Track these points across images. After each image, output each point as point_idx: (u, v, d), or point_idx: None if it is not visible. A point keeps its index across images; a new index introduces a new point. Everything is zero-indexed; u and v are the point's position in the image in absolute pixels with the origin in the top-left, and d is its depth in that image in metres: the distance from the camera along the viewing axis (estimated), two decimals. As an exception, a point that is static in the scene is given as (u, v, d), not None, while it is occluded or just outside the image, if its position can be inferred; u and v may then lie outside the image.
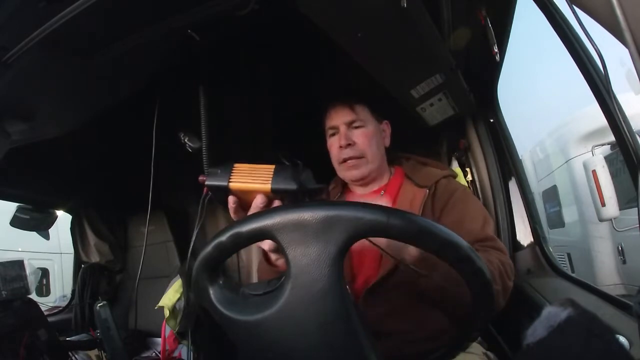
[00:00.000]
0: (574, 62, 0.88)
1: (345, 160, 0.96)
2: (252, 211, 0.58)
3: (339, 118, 0.98)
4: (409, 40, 0.92)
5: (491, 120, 1.45)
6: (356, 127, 0.97)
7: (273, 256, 0.75)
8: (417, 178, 0.98)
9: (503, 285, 0.76)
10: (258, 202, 0.57)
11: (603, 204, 1.54)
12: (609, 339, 0.38)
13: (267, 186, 0.56)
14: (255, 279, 1.72)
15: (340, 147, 0.96)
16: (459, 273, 0.46)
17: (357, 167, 0.96)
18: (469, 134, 1.48)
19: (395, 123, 1.07)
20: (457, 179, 1.06)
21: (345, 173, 0.99)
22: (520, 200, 1.37)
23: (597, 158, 1.92)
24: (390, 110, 1.07)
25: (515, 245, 1.34)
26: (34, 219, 1.82)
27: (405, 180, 1.00)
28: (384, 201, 0.98)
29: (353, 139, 0.96)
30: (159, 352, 1.52)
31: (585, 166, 1.94)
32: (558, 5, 0.89)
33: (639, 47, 0.44)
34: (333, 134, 1.00)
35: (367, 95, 1.02)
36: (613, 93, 0.68)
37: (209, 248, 0.47)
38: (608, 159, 2.31)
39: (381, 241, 0.63)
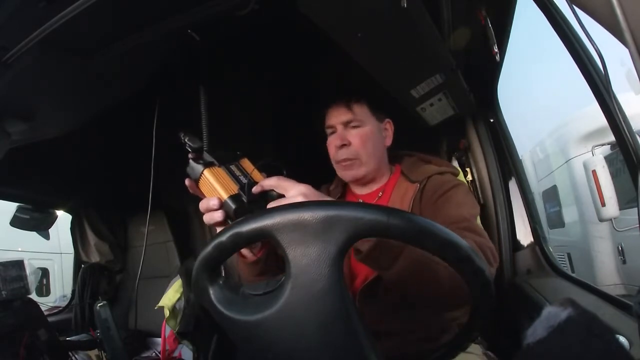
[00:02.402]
0: (574, 62, 0.88)
1: (339, 161, 0.97)
2: (202, 205, 0.63)
3: (336, 117, 0.97)
4: (409, 40, 0.92)
5: (491, 120, 1.45)
6: (353, 127, 0.96)
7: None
8: (412, 174, 0.98)
9: None
10: (210, 203, 0.61)
11: (603, 204, 1.54)
12: (609, 339, 0.38)
13: (224, 195, 0.61)
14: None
15: (336, 147, 0.96)
16: (459, 273, 0.46)
17: (350, 167, 0.96)
18: (469, 134, 1.48)
19: (395, 123, 1.07)
20: (458, 178, 1.05)
21: (341, 173, 0.99)
22: (520, 200, 1.37)
23: (597, 158, 1.92)
24: (391, 110, 1.07)
25: (515, 245, 1.34)
26: (34, 219, 1.83)
27: (401, 176, 1.00)
28: (382, 202, 0.98)
29: (348, 139, 0.95)
30: (159, 352, 1.52)
31: (585, 166, 1.94)
32: (558, 5, 0.89)
33: (639, 47, 0.44)
34: (331, 133, 0.99)
35: (368, 94, 1.01)
36: (613, 93, 0.68)
37: (209, 248, 0.47)
38: (608, 159, 2.31)
39: None
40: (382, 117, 1.02)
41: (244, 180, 0.64)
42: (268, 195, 0.63)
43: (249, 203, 0.61)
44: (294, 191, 0.60)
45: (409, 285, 0.67)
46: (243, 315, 0.46)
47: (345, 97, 0.98)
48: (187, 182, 0.66)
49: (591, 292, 0.95)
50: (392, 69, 1.07)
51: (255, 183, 0.64)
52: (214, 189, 0.62)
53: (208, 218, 0.62)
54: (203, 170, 0.63)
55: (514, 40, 1.16)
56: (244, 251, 0.75)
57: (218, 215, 0.61)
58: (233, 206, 0.59)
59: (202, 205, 0.63)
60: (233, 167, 0.66)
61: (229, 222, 0.61)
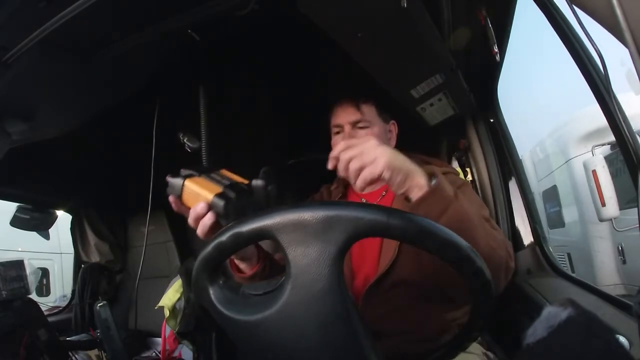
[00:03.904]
0: (574, 62, 0.88)
1: None
2: (190, 216, 0.60)
3: (344, 117, 0.97)
4: (409, 40, 0.92)
5: (491, 120, 1.45)
6: (361, 128, 0.96)
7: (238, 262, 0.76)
8: None
9: (508, 266, 0.72)
10: (198, 209, 0.58)
11: (603, 204, 1.54)
12: (609, 339, 0.38)
13: (209, 196, 0.58)
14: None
15: None
16: (459, 273, 0.46)
17: None
18: (469, 134, 1.48)
19: (396, 123, 1.07)
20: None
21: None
22: (520, 200, 1.37)
23: (597, 158, 1.92)
24: (391, 109, 1.07)
25: (515, 245, 1.34)
26: (34, 219, 1.82)
27: None
28: (386, 201, 0.98)
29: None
30: (159, 352, 1.52)
31: (585, 166, 1.94)
32: (558, 5, 0.89)
33: (639, 47, 0.44)
34: (337, 132, 0.99)
35: (375, 94, 1.00)
36: (613, 93, 0.68)
37: (209, 248, 0.47)
38: (608, 159, 2.31)
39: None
40: (388, 119, 1.02)
41: (227, 182, 0.62)
42: (255, 192, 0.61)
43: (237, 199, 0.58)
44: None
45: (423, 270, 0.67)
46: (243, 315, 0.46)
47: (353, 97, 0.98)
48: (170, 199, 0.64)
49: (591, 292, 0.96)
50: (392, 69, 1.07)
51: (238, 183, 0.62)
52: (198, 194, 0.60)
53: (201, 227, 0.59)
54: (184, 182, 0.61)
55: (514, 40, 1.16)
56: (242, 265, 0.75)
57: (208, 219, 0.58)
58: (221, 203, 0.57)
59: (191, 216, 0.60)
60: (213, 175, 0.64)
61: (223, 222, 0.58)
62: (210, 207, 0.58)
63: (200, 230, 0.60)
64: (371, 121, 0.97)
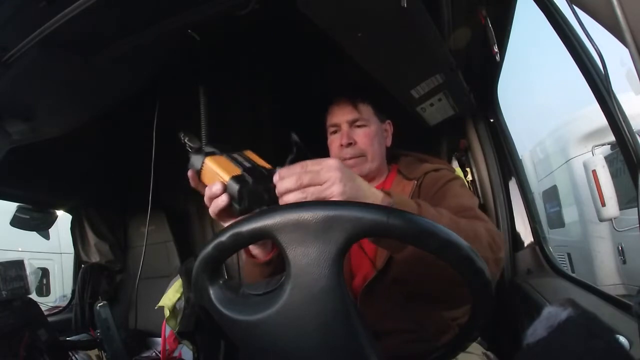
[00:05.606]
0: (574, 62, 0.88)
1: (344, 160, 0.96)
2: (206, 195, 0.59)
3: (341, 116, 0.97)
4: (409, 40, 0.92)
5: (491, 120, 1.45)
6: (358, 126, 0.96)
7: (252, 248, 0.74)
8: (409, 172, 0.97)
9: (494, 257, 0.69)
10: (213, 189, 0.58)
11: (603, 204, 1.54)
12: (609, 339, 0.38)
13: (226, 177, 0.57)
14: (255, 279, 1.72)
15: (341, 145, 0.95)
16: (459, 273, 0.46)
17: (356, 165, 0.95)
18: (469, 134, 1.48)
19: (395, 123, 1.07)
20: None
21: None
22: (520, 200, 1.37)
23: (597, 158, 1.92)
24: (391, 109, 1.07)
25: (515, 245, 1.34)
26: (34, 219, 1.82)
27: (397, 175, 1.00)
28: None
29: (354, 138, 0.95)
30: (159, 352, 1.52)
31: (585, 166, 1.94)
32: (558, 5, 0.89)
33: (639, 47, 0.44)
34: (334, 132, 0.99)
35: (371, 94, 1.01)
36: (613, 93, 0.68)
37: (209, 248, 0.47)
38: (608, 159, 2.31)
39: None
40: (384, 118, 1.03)
41: (248, 165, 0.61)
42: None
43: (254, 184, 0.57)
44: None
45: (419, 270, 0.66)
46: (243, 315, 0.46)
47: (351, 95, 0.98)
48: (189, 173, 0.63)
49: (591, 292, 0.96)
50: (392, 69, 1.07)
51: (259, 167, 0.61)
52: (216, 173, 0.59)
53: (213, 207, 0.58)
54: (204, 159, 0.61)
55: (514, 40, 1.16)
56: (255, 251, 0.74)
57: (222, 200, 0.57)
58: (236, 186, 0.56)
59: (206, 195, 0.59)
60: (235, 155, 0.63)
61: (235, 206, 0.56)
62: (226, 188, 0.57)
63: (212, 210, 0.59)
64: (368, 120, 0.97)
